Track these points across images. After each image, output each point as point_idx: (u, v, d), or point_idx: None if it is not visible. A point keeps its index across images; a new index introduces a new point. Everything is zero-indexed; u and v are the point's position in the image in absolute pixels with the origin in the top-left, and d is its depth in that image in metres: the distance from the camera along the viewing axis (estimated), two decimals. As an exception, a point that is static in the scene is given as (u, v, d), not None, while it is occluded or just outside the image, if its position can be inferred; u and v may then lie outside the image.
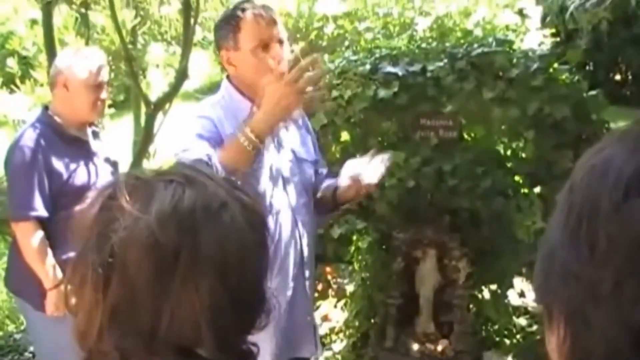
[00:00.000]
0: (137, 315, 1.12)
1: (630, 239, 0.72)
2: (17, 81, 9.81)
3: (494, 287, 4.46)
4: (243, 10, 2.65)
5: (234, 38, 2.65)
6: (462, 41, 4.48)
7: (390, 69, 4.17)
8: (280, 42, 2.66)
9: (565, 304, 0.78)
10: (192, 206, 1.14)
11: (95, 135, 3.67)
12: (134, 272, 1.11)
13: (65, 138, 3.50)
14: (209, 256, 1.12)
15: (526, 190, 4.29)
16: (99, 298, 1.12)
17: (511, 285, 4.52)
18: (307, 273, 2.89)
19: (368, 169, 2.77)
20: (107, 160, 3.67)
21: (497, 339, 4.51)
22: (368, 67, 4.23)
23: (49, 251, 3.41)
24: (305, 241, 2.83)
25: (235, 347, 1.19)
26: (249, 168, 2.48)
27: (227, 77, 2.79)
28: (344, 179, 2.81)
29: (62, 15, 8.76)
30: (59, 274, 3.42)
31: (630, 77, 12.96)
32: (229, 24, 2.67)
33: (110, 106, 3.75)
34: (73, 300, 1.19)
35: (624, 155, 0.76)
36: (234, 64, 2.70)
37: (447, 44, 4.44)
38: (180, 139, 2.59)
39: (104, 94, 3.56)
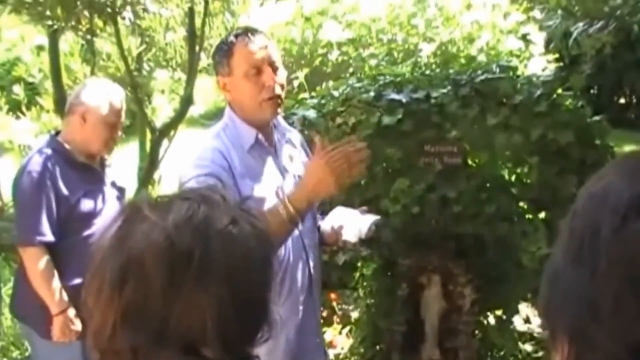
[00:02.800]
0: (149, 313, 1.20)
1: (629, 261, 0.76)
2: (23, 107, 9.88)
3: (499, 313, 4.45)
4: (236, 36, 2.68)
5: (227, 64, 2.67)
6: (465, 67, 4.49)
7: (394, 95, 4.18)
8: (273, 64, 2.67)
9: (568, 323, 0.82)
10: (205, 218, 1.23)
11: (103, 162, 3.69)
12: (149, 272, 1.20)
13: (73, 164, 3.52)
14: (218, 262, 1.21)
15: (531, 216, 4.29)
16: (115, 297, 1.21)
17: (517, 311, 4.51)
18: (315, 296, 2.90)
19: (352, 224, 2.77)
20: (114, 186, 3.68)
21: (503, 365, 4.49)
22: (372, 94, 4.25)
23: (56, 276, 3.42)
24: (312, 264, 2.84)
25: (238, 352, 1.26)
26: (283, 239, 2.56)
27: (230, 104, 2.79)
28: (327, 225, 2.84)
29: (68, 42, 8.84)
30: (66, 300, 3.43)
31: (634, 100, 13.01)
32: (222, 51, 2.70)
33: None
34: (90, 302, 1.26)
35: (622, 183, 0.80)
36: (229, 90, 2.72)
37: (451, 71, 4.47)
38: (187, 174, 2.60)
39: (117, 133, 3.59)
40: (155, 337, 1.19)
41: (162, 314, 1.19)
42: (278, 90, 2.67)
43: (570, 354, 0.82)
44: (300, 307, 2.79)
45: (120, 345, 1.22)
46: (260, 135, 2.72)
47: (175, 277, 1.19)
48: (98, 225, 3.47)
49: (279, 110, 2.77)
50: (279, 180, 2.73)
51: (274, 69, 2.67)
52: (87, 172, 3.56)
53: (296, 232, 2.74)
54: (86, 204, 3.50)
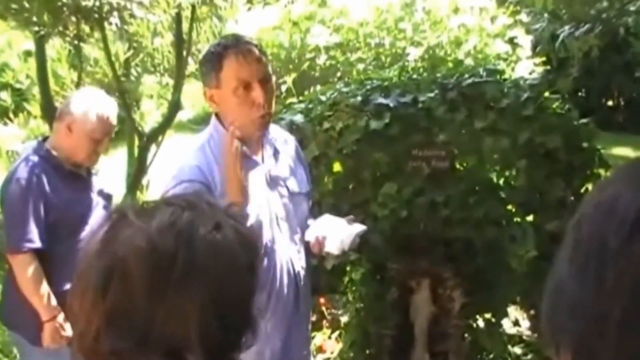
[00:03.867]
0: (132, 317, 1.20)
1: (637, 276, 0.73)
2: (11, 114, 9.85)
3: (488, 316, 4.45)
4: (225, 47, 2.61)
5: (215, 77, 2.61)
6: (453, 71, 4.50)
7: (381, 100, 4.19)
8: (264, 80, 2.61)
9: (572, 337, 0.78)
10: (189, 223, 1.23)
11: (90, 169, 3.67)
12: (132, 276, 1.20)
13: (61, 171, 3.50)
14: (202, 267, 1.21)
15: (519, 219, 4.30)
16: (99, 301, 1.21)
17: (506, 314, 4.52)
18: (302, 310, 2.88)
19: (335, 236, 2.74)
20: (101, 194, 3.67)
21: (493, 368, 4.50)
22: (359, 98, 4.25)
23: (45, 283, 3.40)
24: (299, 278, 2.82)
25: (222, 358, 1.27)
26: None
27: (216, 114, 2.74)
28: (311, 235, 2.79)
29: (56, 48, 8.82)
30: (56, 306, 3.42)
31: (622, 103, 13.05)
32: (210, 62, 2.63)
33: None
34: (75, 306, 1.26)
35: (630, 193, 0.77)
36: (217, 102, 2.66)
37: (438, 75, 4.47)
38: (165, 186, 2.59)
39: (102, 147, 3.55)
40: (138, 342, 1.20)
41: (145, 318, 1.19)
42: (268, 108, 2.64)
43: None
44: (287, 322, 2.77)
45: (103, 349, 1.21)
46: (245, 148, 2.67)
47: (158, 282, 1.19)
48: (86, 231, 3.46)
49: (269, 126, 2.74)
50: (265, 192, 2.71)
51: (265, 84, 2.62)
52: (74, 179, 3.55)
53: (282, 246, 2.73)
54: (74, 211, 3.49)
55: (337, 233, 2.74)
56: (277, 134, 2.92)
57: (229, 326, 1.26)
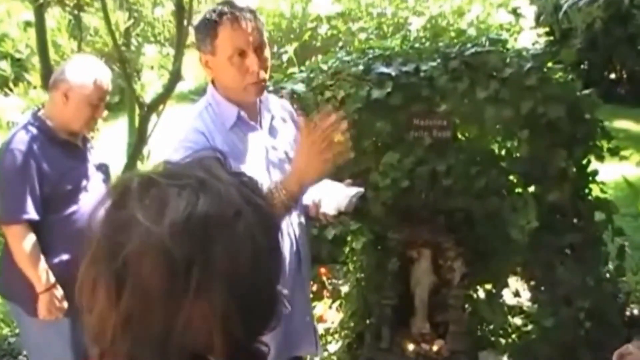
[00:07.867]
0: (150, 323, 1.12)
1: None
2: (11, 84, 9.80)
3: (489, 286, 4.46)
4: (221, 14, 2.60)
5: (211, 43, 2.61)
6: (455, 41, 4.47)
7: (383, 69, 4.16)
8: (259, 47, 2.62)
9: None
10: (205, 215, 1.12)
11: (85, 139, 3.65)
12: (147, 282, 1.11)
13: (56, 141, 3.48)
14: (221, 269, 1.12)
15: (520, 190, 4.29)
16: (112, 303, 1.13)
17: (506, 285, 4.52)
18: (304, 273, 2.90)
19: (332, 197, 2.76)
20: (97, 163, 3.65)
21: (493, 338, 4.50)
22: (361, 67, 4.23)
23: (41, 254, 3.39)
24: (301, 241, 2.84)
25: (246, 351, 1.21)
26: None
27: (212, 81, 2.76)
28: (309, 199, 2.81)
29: (56, 17, 8.76)
30: (51, 278, 3.41)
31: (625, 75, 13.01)
32: (205, 29, 2.63)
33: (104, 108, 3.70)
34: (85, 303, 1.18)
35: None
36: (211, 67, 2.68)
37: (441, 44, 4.43)
38: (169, 153, 2.57)
39: (99, 112, 3.54)
40: (158, 347, 1.13)
41: (163, 325, 1.12)
42: (262, 75, 2.64)
43: None
44: (289, 285, 2.78)
45: (121, 351, 1.15)
46: (242, 113, 2.70)
47: (175, 288, 1.11)
48: (81, 202, 3.45)
49: (264, 92, 2.75)
50: (264, 158, 2.72)
51: (260, 51, 2.63)
52: (69, 149, 3.53)
53: None
54: (69, 181, 3.46)
55: (333, 194, 2.77)
56: (273, 100, 2.94)
57: (252, 318, 1.18)
